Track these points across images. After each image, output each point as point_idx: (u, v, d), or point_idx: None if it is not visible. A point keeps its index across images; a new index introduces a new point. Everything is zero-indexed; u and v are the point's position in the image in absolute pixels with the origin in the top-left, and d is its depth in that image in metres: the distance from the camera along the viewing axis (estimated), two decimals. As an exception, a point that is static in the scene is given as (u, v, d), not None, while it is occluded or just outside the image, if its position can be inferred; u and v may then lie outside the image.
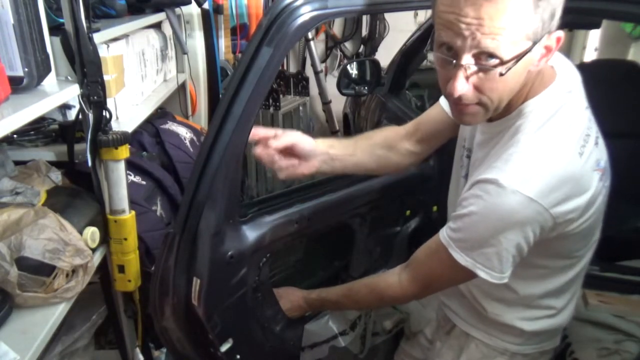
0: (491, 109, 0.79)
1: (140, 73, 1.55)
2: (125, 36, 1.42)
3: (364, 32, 3.87)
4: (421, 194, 1.50)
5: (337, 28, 3.92)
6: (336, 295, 1.13)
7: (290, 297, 1.22)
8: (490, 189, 0.77)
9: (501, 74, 0.72)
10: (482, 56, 0.71)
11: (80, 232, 1.07)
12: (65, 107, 1.25)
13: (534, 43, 0.71)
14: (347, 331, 1.27)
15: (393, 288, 0.99)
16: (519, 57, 0.71)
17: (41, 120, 1.24)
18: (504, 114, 0.84)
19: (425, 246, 0.94)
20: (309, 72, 3.37)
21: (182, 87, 2.01)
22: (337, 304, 1.17)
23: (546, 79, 0.82)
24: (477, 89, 0.75)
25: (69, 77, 1.08)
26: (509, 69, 0.71)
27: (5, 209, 0.99)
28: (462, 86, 0.74)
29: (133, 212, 1.20)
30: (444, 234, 0.86)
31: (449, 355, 1.08)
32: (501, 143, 0.83)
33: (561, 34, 0.75)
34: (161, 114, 1.80)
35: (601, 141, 0.86)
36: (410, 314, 1.29)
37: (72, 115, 1.23)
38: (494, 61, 0.71)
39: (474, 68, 0.73)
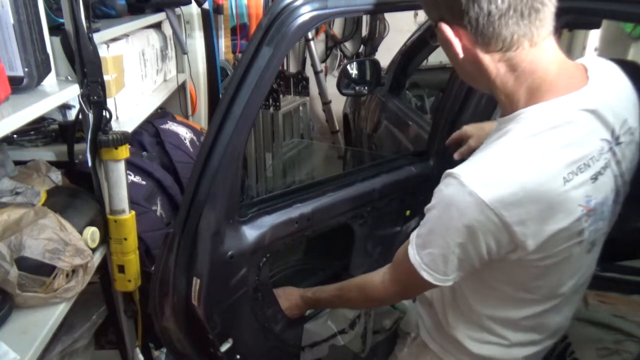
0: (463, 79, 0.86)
1: (140, 73, 1.55)
2: (125, 36, 1.42)
3: (364, 32, 3.87)
4: (421, 194, 1.50)
5: (337, 28, 3.92)
6: (329, 295, 1.12)
7: (288, 297, 1.22)
8: (450, 183, 0.74)
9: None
10: None
11: (80, 232, 1.07)
12: (65, 107, 1.25)
13: (434, 21, 0.78)
14: (347, 330, 1.27)
15: (377, 289, 0.97)
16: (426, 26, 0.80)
17: (41, 120, 1.25)
18: (505, 113, 0.80)
19: (404, 244, 0.90)
20: (309, 72, 3.37)
21: (182, 87, 2.01)
22: (331, 303, 1.18)
23: (562, 87, 0.75)
24: None
25: (69, 77, 1.08)
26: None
27: (5, 209, 0.99)
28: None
29: (133, 212, 1.20)
30: (414, 230, 0.85)
31: None
32: (490, 140, 0.78)
33: (460, 31, 0.75)
34: (161, 114, 1.80)
35: (604, 180, 0.77)
36: (406, 313, 1.29)
37: (72, 115, 1.23)
38: None
39: None
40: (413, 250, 0.82)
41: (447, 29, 0.76)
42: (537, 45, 0.74)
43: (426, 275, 0.80)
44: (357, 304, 1.16)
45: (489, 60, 0.76)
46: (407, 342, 1.13)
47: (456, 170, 0.74)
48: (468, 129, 1.21)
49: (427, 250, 0.79)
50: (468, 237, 0.73)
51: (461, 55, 0.77)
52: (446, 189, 0.75)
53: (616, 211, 0.88)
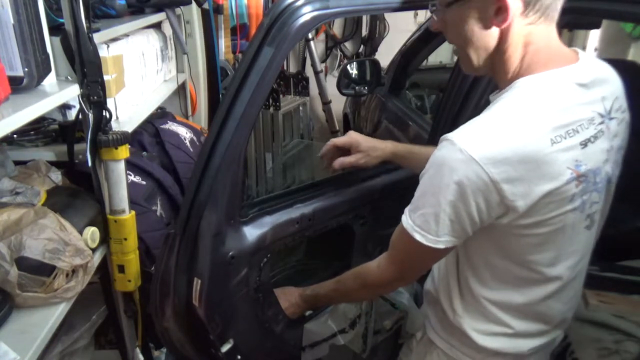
0: (465, 58, 0.86)
1: (140, 73, 1.55)
2: (125, 36, 1.42)
3: (364, 32, 3.87)
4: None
5: (337, 28, 3.92)
6: (327, 290, 1.12)
7: (287, 297, 1.21)
8: (442, 145, 0.77)
9: (432, 11, 0.86)
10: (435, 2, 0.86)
11: (80, 232, 1.07)
12: (65, 107, 1.25)
13: None
14: (347, 329, 1.27)
15: (373, 273, 0.98)
16: (445, 4, 0.83)
17: (41, 120, 1.24)
18: (501, 87, 0.84)
19: (399, 225, 0.91)
20: (309, 72, 3.37)
21: (182, 87, 2.01)
22: (330, 298, 1.17)
23: (555, 61, 0.80)
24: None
25: (69, 77, 1.08)
26: (437, 10, 0.85)
27: (5, 209, 0.99)
28: (431, 23, 0.89)
29: (133, 212, 1.19)
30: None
31: None
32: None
33: (508, 1, 0.76)
34: (161, 114, 1.80)
35: (595, 149, 0.80)
36: (408, 312, 1.29)
37: (72, 115, 1.23)
38: (438, 6, 0.85)
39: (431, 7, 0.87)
40: (406, 217, 0.84)
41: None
42: (550, 25, 0.80)
43: (418, 237, 0.81)
44: (356, 294, 1.14)
45: (517, 30, 0.79)
46: (413, 344, 1.13)
47: (449, 133, 0.78)
48: (362, 144, 1.21)
49: (420, 212, 0.81)
50: (459, 195, 0.75)
51: (499, 23, 0.79)
52: (439, 152, 0.78)
53: (611, 191, 0.91)
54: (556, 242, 0.82)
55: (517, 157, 0.73)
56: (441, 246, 0.81)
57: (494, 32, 0.80)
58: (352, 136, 1.22)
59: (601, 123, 0.81)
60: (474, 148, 0.73)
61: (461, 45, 0.85)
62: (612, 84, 0.86)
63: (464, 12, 0.80)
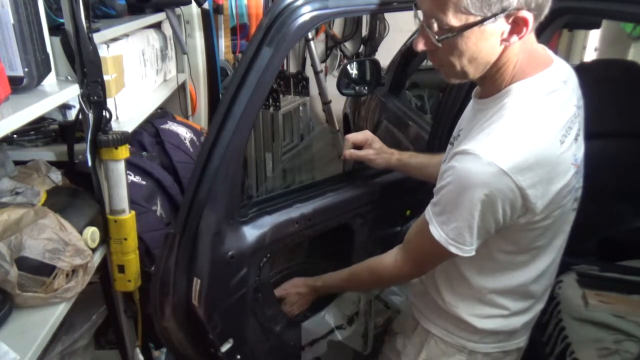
0: (458, 72, 0.83)
1: (140, 73, 1.55)
2: (125, 36, 1.42)
3: (364, 32, 3.87)
4: (421, 193, 1.49)
5: (337, 28, 3.92)
6: (339, 281, 1.16)
7: (295, 289, 1.23)
8: (466, 159, 0.78)
9: (438, 40, 0.78)
10: (428, 20, 0.79)
11: (80, 232, 1.07)
12: (65, 107, 1.25)
13: (484, 18, 0.74)
14: (344, 326, 1.27)
15: (390, 269, 1.01)
16: (457, 30, 0.75)
17: (41, 120, 1.24)
18: (493, 92, 0.85)
19: (415, 224, 0.96)
20: (309, 72, 3.37)
21: (182, 87, 2.01)
22: (341, 288, 1.23)
23: (541, 64, 0.83)
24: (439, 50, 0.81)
25: (69, 77, 1.08)
26: (446, 37, 0.77)
27: (5, 209, 0.99)
28: (417, 41, 0.82)
29: (133, 212, 1.20)
30: (428, 209, 0.88)
31: (412, 352, 1.10)
32: (485, 117, 0.84)
33: (525, 14, 0.74)
34: (161, 114, 1.80)
35: (581, 139, 0.88)
36: (400, 313, 1.30)
37: (72, 115, 1.23)
38: (434, 25, 0.77)
39: (426, 28, 0.80)
40: (436, 229, 0.85)
41: (520, 16, 0.74)
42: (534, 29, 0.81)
43: (454, 249, 0.84)
44: (369, 286, 1.22)
45: (522, 41, 0.79)
46: (400, 339, 1.14)
47: (467, 146, 0.79)
48: (376, 142, 1.26)
49: (453, 225, 0.82)
50: (488, 205, 0.78)
51: (513, 40, 0.77)
52: (461, 165, 0.79)
53: None
54: (554, 227, 0.88)
55: (539, 162, 0.77)
56: (473, 253, 0.84)
57: (500, 47, 0.79)
58: (368, 134, 1.28)
59: (578, 115, 0.87)
60: (502, 160, 0.75)
61: (458, 62, 0.81)
62: (572, 74, 0.90)
63: (477, 35, 0.77)
